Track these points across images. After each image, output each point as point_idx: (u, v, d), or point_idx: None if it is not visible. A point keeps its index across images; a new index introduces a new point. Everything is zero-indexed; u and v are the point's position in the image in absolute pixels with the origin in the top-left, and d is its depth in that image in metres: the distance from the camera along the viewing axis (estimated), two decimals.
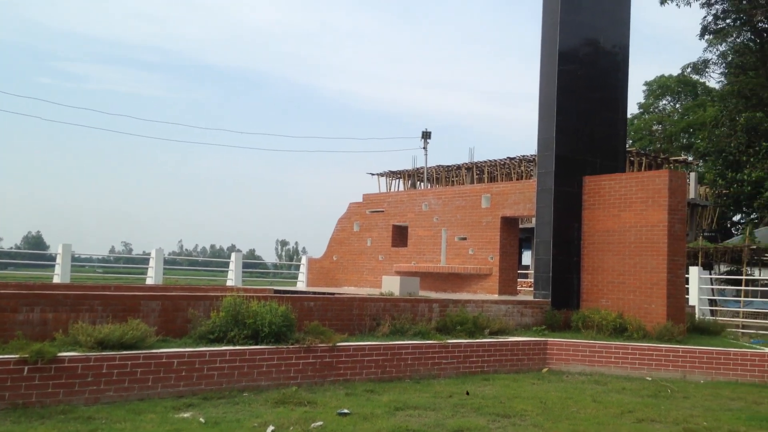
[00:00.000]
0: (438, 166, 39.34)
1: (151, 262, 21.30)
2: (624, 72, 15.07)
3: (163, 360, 7.59)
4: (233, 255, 23.86)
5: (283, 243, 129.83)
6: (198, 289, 12.97)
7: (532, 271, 28.88)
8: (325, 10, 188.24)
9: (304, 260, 24.35)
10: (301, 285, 23.88)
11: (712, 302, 22.09)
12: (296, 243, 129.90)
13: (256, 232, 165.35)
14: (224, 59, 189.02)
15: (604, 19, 14.63)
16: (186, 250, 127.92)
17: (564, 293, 13.56)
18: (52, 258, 20.66)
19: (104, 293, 8.44)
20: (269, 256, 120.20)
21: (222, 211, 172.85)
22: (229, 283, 22.97)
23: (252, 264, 26.98)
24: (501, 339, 11.18)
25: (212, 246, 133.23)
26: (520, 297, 14.58)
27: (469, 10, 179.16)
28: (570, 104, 13.94)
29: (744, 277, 22.72)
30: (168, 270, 21.51)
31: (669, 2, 33.00)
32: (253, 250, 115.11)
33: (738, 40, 34.00)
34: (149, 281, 20.70)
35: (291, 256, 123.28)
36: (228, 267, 24.29)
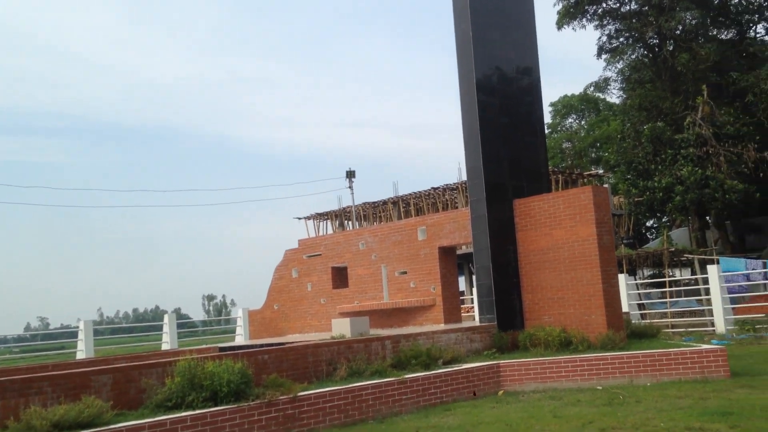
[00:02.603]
0: (364, 204, 39.65)
1: (80, 335, 20.47)
2: (538, 96, 15.75)
3: None
4: (166, 316, 23.24)
5: (210, 297, 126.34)
6: (145, 357, 12.55)
7: (468, 296, 29.43)
8: (230, 59, 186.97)
9: (241, 312, 23.93)
10: (239, 339, 23.41)
11: (640, 306, 23.06)
12: (224, 296, 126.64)
13: (179, 290, 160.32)
14: (133, 118, 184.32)
15: (514, 49, 15.31)
16: (107, 317, 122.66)
17: (508, 315, 13.89)
18: None
19: (53, 374, 8.08)
20: (197, 313, 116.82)
21: (140, 272, 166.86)
22: (164, 346, 22.31)
23: (180, 324, 26.27)
24: (456, 368, 11.33)
25: (135, 310, 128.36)
26: (467, 323, 14.83)
27: (374, 47, 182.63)
28: (493, 132, 14.45)
29: (667, 279, 23.86)
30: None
31: (566, 27, 34.87)
32: (179, 309, 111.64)
33: (633, 57, 36.13)
34: (80, 355, 19.83)
35: (219, 310, 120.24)
36: (160, 330, 23.59)
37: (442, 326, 14.42)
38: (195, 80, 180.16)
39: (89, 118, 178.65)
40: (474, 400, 10.85)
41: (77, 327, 21.48)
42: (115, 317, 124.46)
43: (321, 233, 40.71)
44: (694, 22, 31.31)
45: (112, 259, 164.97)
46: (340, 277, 17.86)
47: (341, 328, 12.80)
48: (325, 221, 42.13)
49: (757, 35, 35.61)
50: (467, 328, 13.29)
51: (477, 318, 14.61)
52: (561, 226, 13.55)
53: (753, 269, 22.08)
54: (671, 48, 32.98)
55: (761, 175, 28.13)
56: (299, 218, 42.43)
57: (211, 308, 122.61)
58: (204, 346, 16.00)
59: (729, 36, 35.19)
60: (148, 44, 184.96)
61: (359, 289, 17.04)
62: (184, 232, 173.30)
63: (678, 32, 32.13)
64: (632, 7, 33.74)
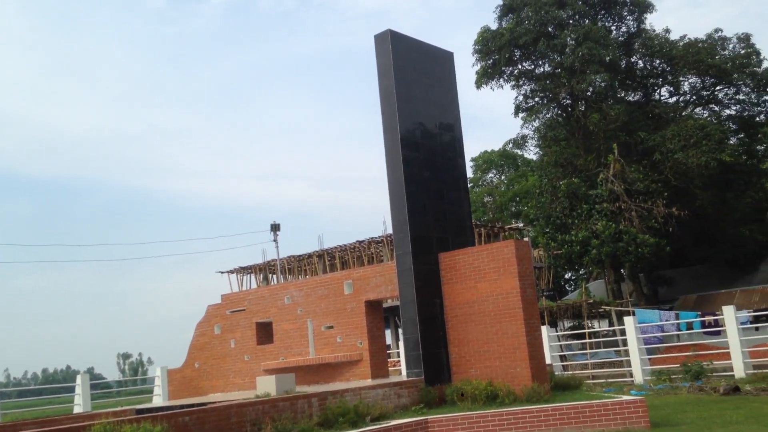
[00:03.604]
0: (289, 257, 39.23)
1: None
2: (460, 152, 16.20)
3: None
4: (78, 377, 22.06)
5: (125, 356, 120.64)
6: (56, 421, 11.79)
7: (395, 350, 29.29)
8: (147, 110, 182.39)
9: (159, 372, 22.94)
10: (158, 399, 22.38)
11: (562, 358, 23.56)
12: (140, 354, 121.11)
13: (92, 349, 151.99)
14: (45, 170, 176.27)
15: (436, 106, 15.78)
16: (14, 378, 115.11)
17: (435, 369, 13.88)
18: None
19: None
20: (111, 373, 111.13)
21: (50, 330, 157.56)
22: (76, 408, 21.11)
23: (93, 384, 24.88)
24: (384, 425, 11.14)
25: (44, 370, 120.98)
26: (395, 378, 14.72)
27: (296, 100, 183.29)
28: (417, 186, 14.69)
29: (587, 331, 24.53)
30: None
31: (484, 86, 36.19)
32: (92, 368, 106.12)
33: (548, 116, 37.78)
34: None
35: (136, 369, 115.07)
36: (71, 391, 22.34)
37: (369, 382, 14.25)
38: (111, 131, 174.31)
39: None
40: None
41: None
42: (22, 378, 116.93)
43: (245, 287, 39.89)
44: (603, 84, 33.13)
45: (20, 315, 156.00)
46: (264, 333, 17.47)
47: (266, 386, 12.46)
48: (249, 275, 41.34)
49: (662, 98, 38.02)
50: (395, 384, 13.19)
51: (404, 372, 14.55)
52: (485, 279, 13.77)
53: (666, 320, 22.99)
54: (583, 108, 34.73)
55: (670, 229, 29.59)
56: (222, 272, 41.48)
57: (126, 367, 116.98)
58: (120, 408, 15.21)
59: (636, 98, 37.44)
60: (62, 95, 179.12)
61: (285, 345, 16.69)
62: (97, 286, 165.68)
63: (589, 93, 33.92)
64: (546, 69, 35.45)
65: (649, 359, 20.47)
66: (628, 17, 35.72)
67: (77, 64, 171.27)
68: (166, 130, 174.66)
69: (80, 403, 21.12)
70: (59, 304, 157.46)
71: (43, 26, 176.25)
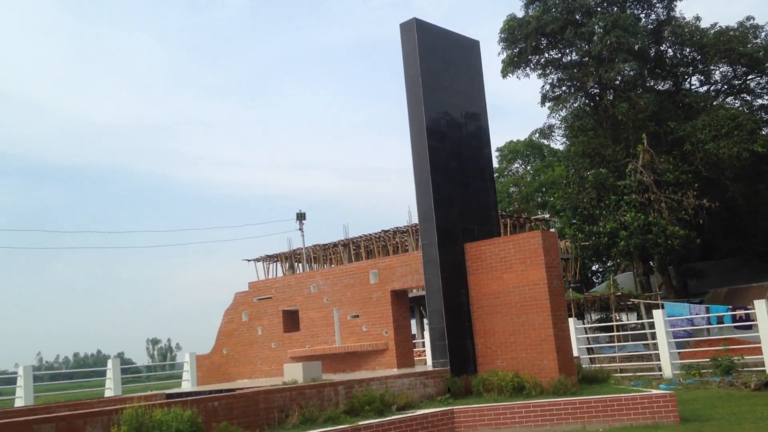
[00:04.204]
0: (315, 246, 39.44)
1: (19, 381, 19.58)
2: (486, 141, 16.08)
3: None
4: (110, 362, 22.43)
5: (155, 341, 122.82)
6: (89, 404, 12.02)
7: (419, 340, 29.34)
8: (174, 100, 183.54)
9: (188, 357, 23.27)
10: (186, 385, 22.72)
11: (589, 350, 23.38)
12: (169, 340, 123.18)
13: (122, 334, 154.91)
14: (73, 158, 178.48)
15: (462, 95, 15.65)
16: (47, 362, 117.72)
17: (461, 359, 13.87)
18: None
19: None
20: (140, 358, 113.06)
21: (81, 316, 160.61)
22: (107, 392, 21.51)
23: (123, 369, 25.16)
24: (410, 414, 11.20)
25: (75, 354, 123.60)
26: (420, 368, 14.74)
27: (320, 90, 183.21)
28: (443, 176, 14.63)
29: (615, 323, 24.30)
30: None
31: (510, 75, 35.85)
32: (122, 353, 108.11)
33: (575, 105, 37.34)
34: (19, 403, 18.91)
35: (164, 354, 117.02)
36: (102, 375, 22.74)
37: (395, 371, 14.29)
38: (138, 120, 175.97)
39: (26, 157, 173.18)
40: None
41: (15, 373, 20.53)
42: (54, 362, 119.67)
43: (271, 275, 40.21)
44: (632, 73, 32.63)
45: (52, 301, 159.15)
46: (291, 321, 17.61)
47: (293, 373, 12.56)
48: (275, 263, 41.65)
49: (692, 87, 37.37)
50: (420, 373, 13.21)
51: (430, 362, 14.56)
52: (512, 270, 13.69)
53: (696, 314, 22.67)
54: (611, 97, 34.25)
55: (700, 221, 29.14)
56: (248, 260, 41.85)
57: (155, 352, 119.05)
58: (150, 393, 15.46)
59: (666, 87, 36.82)
60: (89, 83, 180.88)
61: (311, 333, 16.80)
62: (127, 273, 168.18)
63: (617, 83, 33.43)
64: (573, 58, 35.00)
65: (679, 353, 20.23)
66: (657, 4, 35.10)
67: (105, 53, 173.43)
68: (193, 119, 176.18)
69: (111, 387, 21.51)
70: (89, 290, 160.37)
71: (71, 15, 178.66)
